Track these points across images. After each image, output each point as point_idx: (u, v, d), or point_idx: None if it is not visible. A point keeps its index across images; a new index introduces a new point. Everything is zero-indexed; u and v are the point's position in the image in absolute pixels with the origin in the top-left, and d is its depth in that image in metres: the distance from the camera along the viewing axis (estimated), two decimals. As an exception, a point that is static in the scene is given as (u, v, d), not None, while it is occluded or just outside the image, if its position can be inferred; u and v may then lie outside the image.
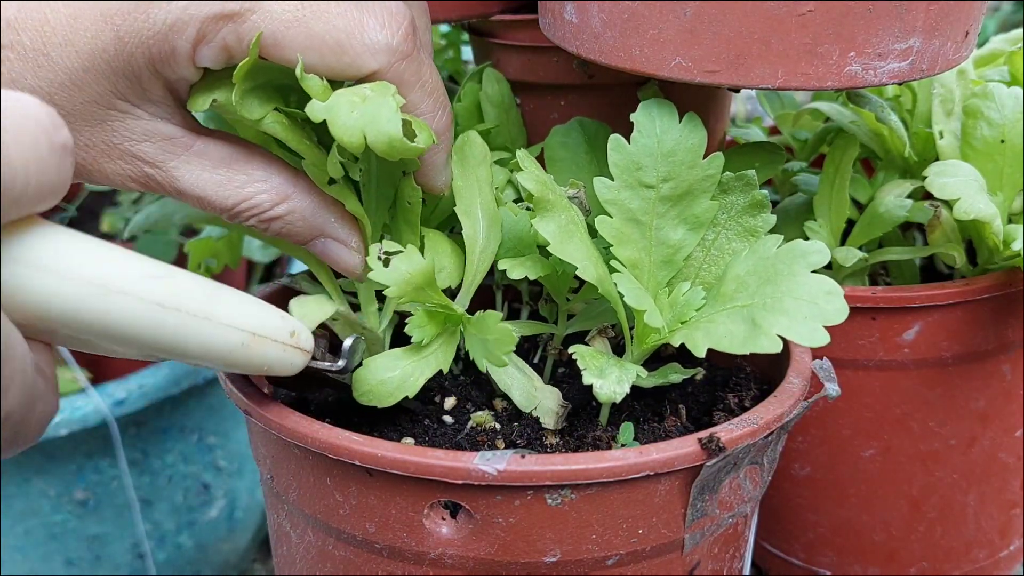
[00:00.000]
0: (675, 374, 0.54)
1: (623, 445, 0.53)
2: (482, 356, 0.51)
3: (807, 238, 0.70)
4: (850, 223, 0.73)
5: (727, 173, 0.54)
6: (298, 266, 0.96)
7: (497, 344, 0.50)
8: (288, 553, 0.55)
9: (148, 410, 0.86)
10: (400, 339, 0.53)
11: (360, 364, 0.51)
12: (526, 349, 0.64)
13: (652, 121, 0.53)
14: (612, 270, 0.52)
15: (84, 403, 0.82)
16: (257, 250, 0.99)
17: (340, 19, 0.46)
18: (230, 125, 0.54)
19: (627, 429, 0.54)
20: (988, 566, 0.78)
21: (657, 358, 0.61)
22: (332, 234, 0.51)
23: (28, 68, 0.44)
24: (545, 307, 0.62)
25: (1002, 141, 0.67)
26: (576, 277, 0.56)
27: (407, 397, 0.51)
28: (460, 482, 0.44)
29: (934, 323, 0.67)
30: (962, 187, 0.63)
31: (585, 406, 0.57)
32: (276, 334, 0.43)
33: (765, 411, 0.49)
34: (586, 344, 0.55)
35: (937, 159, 0.70)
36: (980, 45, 0.82)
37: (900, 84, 0.55)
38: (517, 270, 0.54)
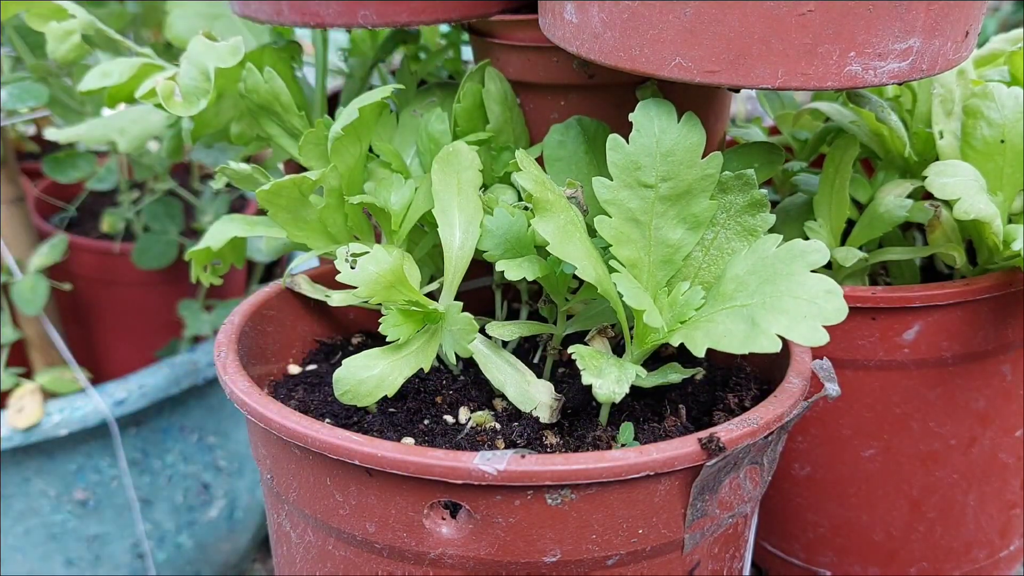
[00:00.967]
0: (675, 374, 0.54)
1: (623, 445, 0.53)
2: (450, 347, 0.53)
3: (807, 238, 0.70)
4: (850, 223, 0.73)
5: (726, 172, 0.54)
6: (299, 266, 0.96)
7: (461, 333, 0.52)
8: (288, 553, 0.55)
9: (148, 410, 0.86)
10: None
11: None
12: (526, 349, 0.64)
13: (651, 121, 0.53)
14: (612, 270, 0.52)
15: (84, 403, 0.82)
16: (258, 251, 0.99)
17: None
18: None
19: (627, 429, 0.54)
20: (988, 566, 0.78)
21: (657, 358, 0.61)
22: None
23: None
24: (545, 308, 0.62)
25: (1002, 141, 0.67)
26: (575, 277, 0.56)
27: (386, 396, 0.52)
28: (460, 482, 0.44)
29: (934, 323, 0.67)
30: (962, 187, 0.63)
31: (585, 406, 0.57)
32: None
33: (765, 411, 0.49)
34: (586, 344, 0.55)
35: (937, 159, 0.70)
36: (980, 45, 0.82)
37: (900, 84, 0.55)
38: (514, 271, 0.54)
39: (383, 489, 0.46)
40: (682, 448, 0.45)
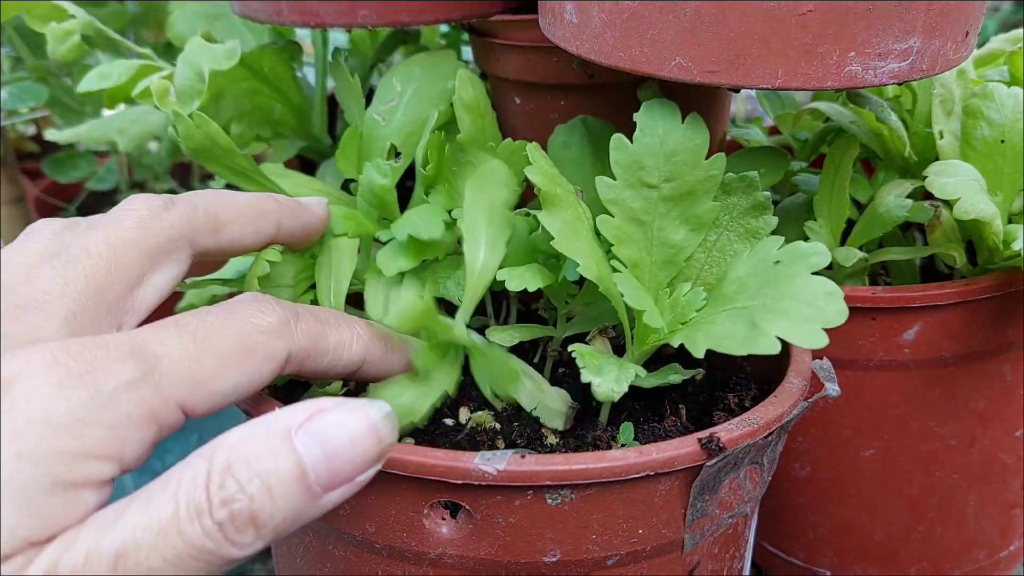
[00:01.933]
0: (675, 375, 0.54)
1: (623, 445, 0.53)
2: (488, 385, 0.51)
3: (807, 238, 0.70)
4: (850, 223, 0.73)
5: (730, 174, 0.54)
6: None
7: (503, 378, 0.50)
8: (288, 553, 0.55)
9: (148, 410, 0.86)
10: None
11: None
12: (525, 349, 0.64)
13: (655, 121, 0.53)
14: (614, 270, 0.52)
15: (84, 403, 0.82)
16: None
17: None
18: None
19: (627, 429, 0.54)
20: (988, 566, 0.78)
21: (658, 358, 0.61)
22: None
23: None
24: (545, 311, 0.62)
25: (1002, 141, 0.67)
26: (576, 283, 0.55)
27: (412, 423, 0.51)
28: (460, 482, 0.44)
29: (934, 323, 0.67)
30: (962, 187, 0.63)
31: (585, 406, 0.57)
32: None
33: (765, 411, 0.49)
34: (587, 344, 0.55)
35: (937, 159, 0.70)
36: (980, 45, 0.82)
37: (900, 84, 0.55)
38: (515, 281, 0.53)
39: (383, 489, 0.46)
40: (682, 448, 0.45)
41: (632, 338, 0.54)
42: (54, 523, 0.36)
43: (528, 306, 0.65)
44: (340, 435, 0.38)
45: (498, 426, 0.55)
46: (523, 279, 0.53)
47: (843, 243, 0.72)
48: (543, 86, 0.70)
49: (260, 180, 0.60)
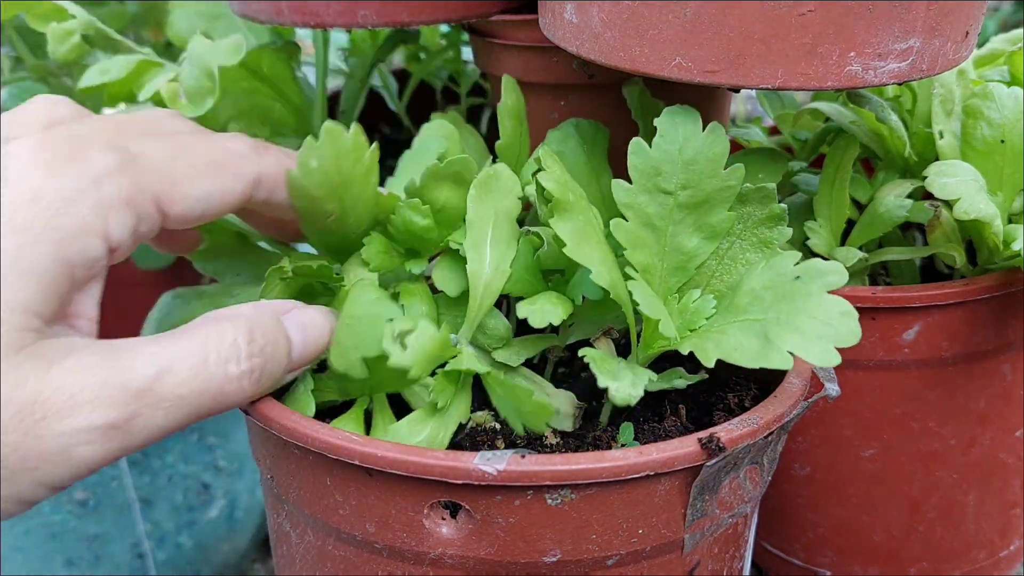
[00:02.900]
0: (680, 379, 0.54)
1: (623, 445, 0.53)
2: (518, 420, 0.50)
3: (807, 238, 0.71)
4: (850, 223, 0.73)
5: (746, 184, 0.54)
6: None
7: (534, 416, 0.48)
8: (288, 553, 0.55)
9: (148, 410, 0.86)
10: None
11: None
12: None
13: (675, 128, 0.53)
14: (627, 276, 0.52)
15: (84, 403, 0.82)
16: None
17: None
18: None
19: (627, 429, 0.54)
20: (988, 566, 0.78)
21: (659, 358, 0.61)
22: None
23: None
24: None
25: (1002, 141, 0.67)
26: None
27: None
28: (460, 482, 0.44)
29: (934, 323, 0.67)
30: (962, 187, 0.63)
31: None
32: None
33: (765, 411, 0.49)
34: (591, 346, 0.55)
35: (937, 159, 0.70)
36: (980, 45, 0.82)
37: (900, 84, 0.55)
38: (538, 316, 0.51)
39: (383, 489, 0.46)
40: (682, 448, 0.45)
41: (638, 342, 0.54)
42: (57, 298, 0.40)
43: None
44: (314, 326, 0.49)
45: (498, 426, 0.55)
46: (545, 312, 0.52)
47: (843, 243, 0.72)
48: (543, 86, 0.70)
49: None
